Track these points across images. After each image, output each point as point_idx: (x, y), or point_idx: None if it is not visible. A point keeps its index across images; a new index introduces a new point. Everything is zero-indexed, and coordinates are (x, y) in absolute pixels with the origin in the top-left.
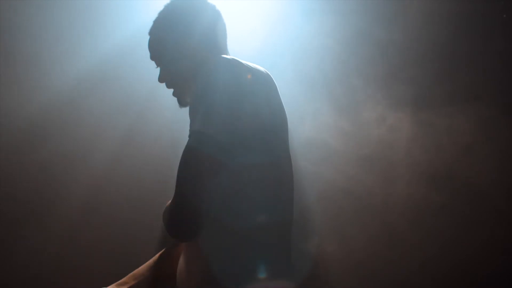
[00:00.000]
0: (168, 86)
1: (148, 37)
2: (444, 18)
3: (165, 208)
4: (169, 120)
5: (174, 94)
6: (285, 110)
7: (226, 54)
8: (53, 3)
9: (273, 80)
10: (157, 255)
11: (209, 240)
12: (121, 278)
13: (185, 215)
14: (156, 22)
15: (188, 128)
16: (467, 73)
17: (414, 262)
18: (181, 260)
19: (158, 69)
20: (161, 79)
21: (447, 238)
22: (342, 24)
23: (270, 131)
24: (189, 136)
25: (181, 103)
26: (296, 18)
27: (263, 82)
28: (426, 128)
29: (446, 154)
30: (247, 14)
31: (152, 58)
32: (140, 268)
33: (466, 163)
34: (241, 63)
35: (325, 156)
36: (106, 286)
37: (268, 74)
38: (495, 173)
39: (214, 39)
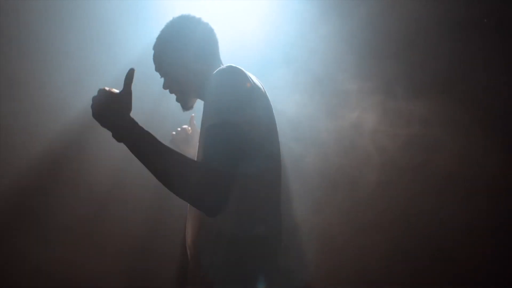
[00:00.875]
0: (171, 92)
1: (153, 51)
2: (426, 20)
3: (187, 179)
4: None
5: (177, 99)
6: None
7: (221, 64)
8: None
9: (265, 91)
10: None
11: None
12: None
13: (219, 186)
14: (159, 38)
15: None
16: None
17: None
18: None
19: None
20: (164, 86)
21: (418, 224)
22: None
23: (271, 136)
24: (213, 126)
25: (184, 107)
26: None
27: (262, 88)
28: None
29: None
30: (242, 16)
31: (156, 69)
32: None
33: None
34: (243, 71)
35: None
36: None
37: (261, 86)
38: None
39: (208, 51)
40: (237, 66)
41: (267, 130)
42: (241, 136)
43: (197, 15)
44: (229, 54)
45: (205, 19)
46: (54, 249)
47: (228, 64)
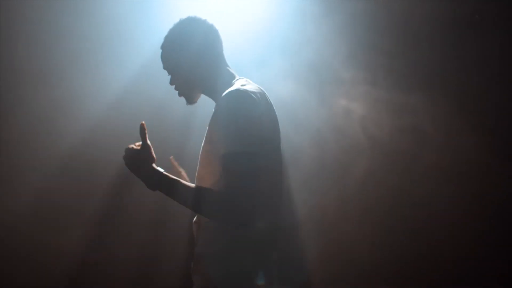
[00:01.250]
0: (176, 88)
1: (160, 50)
2: (419, 18)
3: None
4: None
5: (180, 94)
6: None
7: (225, 63)
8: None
9: (268, 98)
10: None
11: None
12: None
13: (245, 208)
14: (166, 38)
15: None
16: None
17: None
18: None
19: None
20: (171, 82)
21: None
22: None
23: (275, 148)
24: (227, 156)
25: (188, 102)
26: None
27: (268, 106)
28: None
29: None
30: (241, 13)
31: (164, 67)
32: None
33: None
34: (251, 95)
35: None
36: None
37: (265, 92)
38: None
39: (212, 50)
40: (244, 90)
41: (272, 140)
42: (255, 161)
43: (203, 17)
44: (227, 62)
45: (210, 20)
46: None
47: (236, 88)
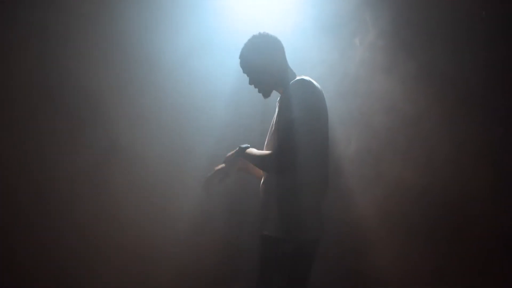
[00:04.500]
0: (256, 87)
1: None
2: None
3: (266, 156)
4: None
5: (259, 91)
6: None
7: (288, 65)
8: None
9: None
10: None
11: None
12: None
13: (287, 161)
14: (244, 50)
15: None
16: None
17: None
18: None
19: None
20: (250, 83)
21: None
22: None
23: (323, 123)
24: (283, 121)
25: (265, 96)
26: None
27: (323, 97)
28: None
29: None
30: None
31: (244, 72)
32: None
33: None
34: (312, 83)
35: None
36: None
37: (322, 91)
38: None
39: (281, 57)
40: (307, 79)
41: (322, 121)
42: (301, 128)
43: (270, 33)
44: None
45: (275, 34)
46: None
47: (301, 77)
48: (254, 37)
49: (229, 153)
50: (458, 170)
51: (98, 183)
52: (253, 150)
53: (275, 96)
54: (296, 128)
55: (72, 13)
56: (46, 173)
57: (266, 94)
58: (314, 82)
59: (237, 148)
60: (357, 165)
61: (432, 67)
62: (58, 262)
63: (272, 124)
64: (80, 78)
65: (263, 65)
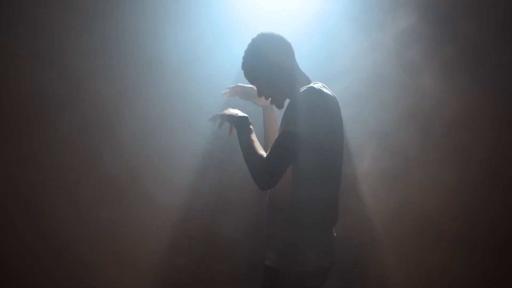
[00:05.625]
0: (266, 98)
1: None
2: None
3: (255, 165)
4: None
5: (271, 102)
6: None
7: (299, 69)
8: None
9: (338, 102)
10: None
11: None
12: None
13: (274, 178)
14: (247, 58)
15: None
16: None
17: None
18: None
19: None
20: (259, 94)
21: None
22: None
23: (335, 143)
24: (284, 132)
25: (278, 107)
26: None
27: (336, 106)
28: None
29: None
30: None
31: (250, 83)
32: None
33: None
34: (320, 92)
35: None
36: None
37: (335, 97)
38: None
39: (291, 61)
40: (317, 88)
41: (331, 137)
42: (300, 140)
43: (271, 31)
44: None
45: (281, 34)
46: None
47: (310, 86)
48: (255, 39)
49: (229, 113)
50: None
51: (99, 182)
52: (252, 136)
53: None
54: (293, 143)
55: (74, 11)
56: (46, 172)
57: (280, 105)
58: (326, 91)
59: (237, 115)
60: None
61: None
62: (58, 262)
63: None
64: (81, 77)
65: (272, 71)
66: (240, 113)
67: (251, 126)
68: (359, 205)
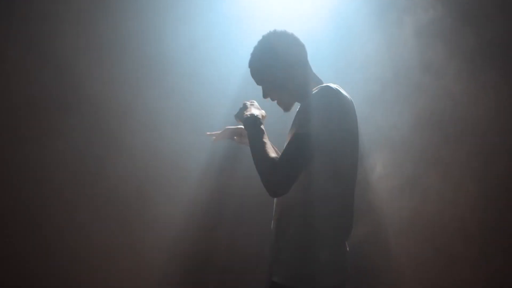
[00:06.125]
0: (273, 100)
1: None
2: None
3: (267, 167)
4: None
5: (278, 103)
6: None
7: (311, 70)
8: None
9: (354, 106)
10: None
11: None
12: None
13: (287, 183)
14: (255, 56)
15: None
16: None
17: None
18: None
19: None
20: (265, 96)
21: None
22: None
23: (353, 148)
24: (298, 134)
25: (285, 110)
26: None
27: (353, 109)
28: None
29: None
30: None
31: (257, 83)
32: None
33: None
34: (336, 92)
35: None
36: None
37: (352, 101)
38: None
39: (302, 61)
40: (334, 87)
41: (348, 141)
42: (315, 143)
43: (281, 29)
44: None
45: (293, 32)
46: None
47: (327, 84)
48: (266, 36)
49: (243, 114)
50: None
51: (98, 182)
52: (264, 138)
53: None
54: (308, 147)
55: (73, 9)
56: (45, 173)
57: (288, 108)
58: (343, 92)
59: (249, 114)
60: None
61: None
62: (58, 262)
63: (291, 125)
64: (81, 77)
65: (283, 70)
66: (255, 111)
67: (262, 126)
68: (372, 215)
